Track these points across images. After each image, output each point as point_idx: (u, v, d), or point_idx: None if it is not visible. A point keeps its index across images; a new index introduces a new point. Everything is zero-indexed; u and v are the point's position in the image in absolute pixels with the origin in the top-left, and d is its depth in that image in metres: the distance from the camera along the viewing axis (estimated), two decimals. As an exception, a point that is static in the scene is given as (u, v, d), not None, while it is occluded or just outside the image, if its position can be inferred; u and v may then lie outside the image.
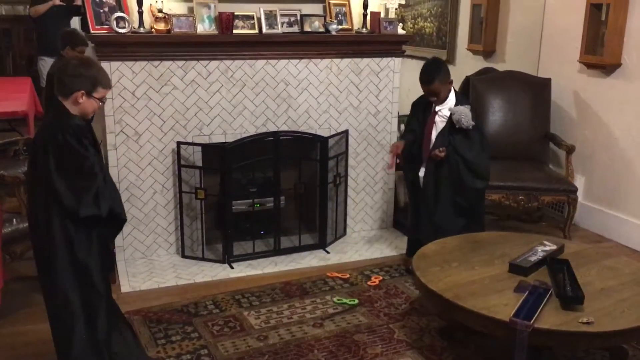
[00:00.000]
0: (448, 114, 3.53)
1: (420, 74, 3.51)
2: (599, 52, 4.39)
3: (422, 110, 3.66)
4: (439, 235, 3.37)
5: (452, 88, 3.60)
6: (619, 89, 4.34)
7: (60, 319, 2.48)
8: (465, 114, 3.45)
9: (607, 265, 3.01)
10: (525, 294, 2.62)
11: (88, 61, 2.51)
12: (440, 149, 3.49)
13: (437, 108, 3.57)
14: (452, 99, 3.56)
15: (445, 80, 3.49)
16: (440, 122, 3.57)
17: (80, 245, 2.39)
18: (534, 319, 2.43)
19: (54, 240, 2.38)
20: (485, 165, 3.56)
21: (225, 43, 3.81)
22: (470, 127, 3.46)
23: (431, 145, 3.57)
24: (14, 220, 3.29)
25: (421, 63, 6.60)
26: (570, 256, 3.03)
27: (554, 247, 3.13)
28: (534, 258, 2.97)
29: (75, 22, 6.93)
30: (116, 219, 2.44)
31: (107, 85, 2.49)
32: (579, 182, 4.59)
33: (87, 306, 2.45)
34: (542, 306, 2.53)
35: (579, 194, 4.41)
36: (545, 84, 4.75)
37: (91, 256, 2.42)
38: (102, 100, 2.47)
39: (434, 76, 3.46)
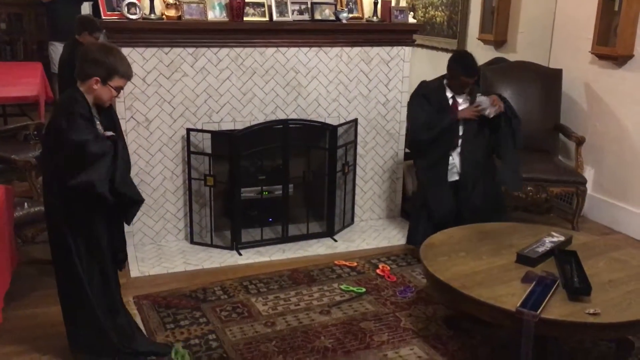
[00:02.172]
0: (466, 104, 3.61)
1: (464, 66, 3.54)
2: (611, 43, 4.36)
3: (436, 104, 3.63)
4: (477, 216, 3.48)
5: None
6: (631, 80, 4.31)
7: (73, 301, 2.54)
8: (486, 103, 3.54)
9: (615, 257, 3.01)
10: (533, 285, 2.62)
11: (109, 48, 2.48)
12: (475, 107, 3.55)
13: (458, 99, 3.62)
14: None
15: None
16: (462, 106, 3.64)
17: (85, 225, 2.44)
18: (540, 309, 2.44)
19: (62, 223, 2.42)
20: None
21: (235, 30, 3.82)
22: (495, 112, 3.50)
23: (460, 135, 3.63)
24: (25, 204, 3.32)
25: (431, 52, 6.59)
26: (578, 247, 3.03)
27: (562, 238, 3.13)
28: (541, 249, 2.98)
29: (85, 8, 6.96)
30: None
31: (126, 75, 2.44)
32: (589, 173, 4.57)
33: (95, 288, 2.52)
34: (549, 297, 2.53)
35: (588, 185, 4.40)
36: (557, 74, 4.73)
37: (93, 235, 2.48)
38: (118, 89, 2.44)
39: (478, 70, 3.63)
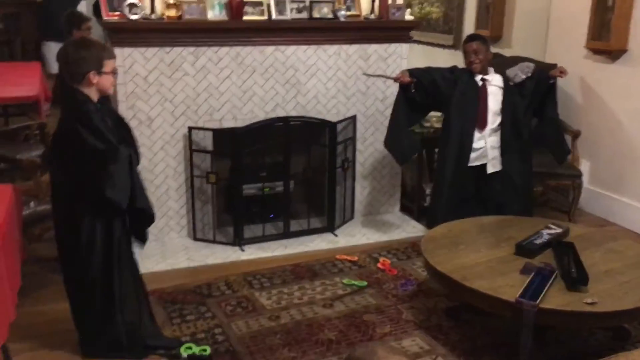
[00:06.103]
0: (500, 82, 3.75)
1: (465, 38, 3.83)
2: (606, 38, 4.42)
3: (464, 82, 3.77)
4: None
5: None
6: (625, 74, 4.38)
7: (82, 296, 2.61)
8: (520, 68, 3.71)
9: (611, 248, 3.08)
10: (531, 276, 2.69)
11: (84, 41, 2.60)
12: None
13: (487, 77, 3.75)
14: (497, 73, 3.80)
15: (487, 46, 3.77)
16: (495, 90, 3.76)
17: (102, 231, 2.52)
18: (539, 299, 2.50)
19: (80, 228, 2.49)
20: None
21: (235, 29, 3.86)
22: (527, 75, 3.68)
23: (489, 113, 3.74)
24: (31, 203, 3.36)
25: (428, 48, 6.62)
26: (575, 239, 3.10)
27: (559, 230, 3.20)
28: (539, 241, 3.05)
29: (82, 7, 6.97)
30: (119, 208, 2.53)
31: (111, 55, 2.56)
32: (584, 167, 4.64)
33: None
34: (547, 287, 2.60)
35: (584, 178, 4.47)
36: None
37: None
38: (114, 71, 2.53)
39: (478, 36, 3.86)
